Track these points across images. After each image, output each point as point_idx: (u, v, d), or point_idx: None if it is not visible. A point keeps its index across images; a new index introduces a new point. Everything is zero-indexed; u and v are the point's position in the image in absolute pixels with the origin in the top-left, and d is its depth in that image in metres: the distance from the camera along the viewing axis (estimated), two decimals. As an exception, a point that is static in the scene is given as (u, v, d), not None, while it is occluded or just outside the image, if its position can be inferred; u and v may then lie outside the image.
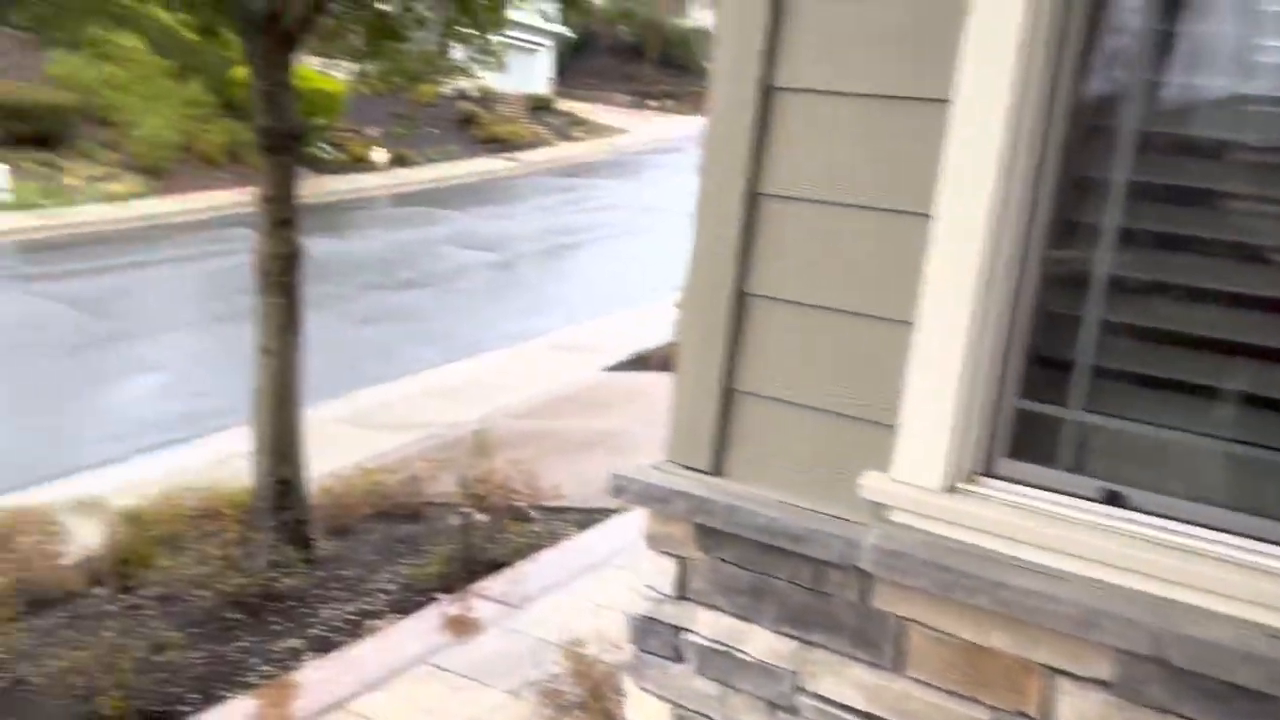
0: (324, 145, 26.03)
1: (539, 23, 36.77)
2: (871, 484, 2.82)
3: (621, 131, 38.47)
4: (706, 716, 3.05)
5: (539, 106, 36.56)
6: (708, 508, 3.04)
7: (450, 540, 7.22)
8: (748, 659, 3.04)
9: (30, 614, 6.41)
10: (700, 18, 46.84)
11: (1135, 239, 2.63)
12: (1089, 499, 2.65)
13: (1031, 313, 2.72)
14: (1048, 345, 2.73)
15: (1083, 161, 2.65)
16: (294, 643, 6.02)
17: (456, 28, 8.70)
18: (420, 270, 19.08)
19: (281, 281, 6.85)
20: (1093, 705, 2.52)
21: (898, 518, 2.80)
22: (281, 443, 7.09)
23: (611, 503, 8.80)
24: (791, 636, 2.95)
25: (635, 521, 7.87)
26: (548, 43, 41.35)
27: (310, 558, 7.03)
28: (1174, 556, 2.50)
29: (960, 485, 2.75)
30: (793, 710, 2.95)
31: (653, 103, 44.14)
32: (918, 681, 2.75)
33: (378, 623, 6.30)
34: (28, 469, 10.26)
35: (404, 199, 25.72)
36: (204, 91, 24.81)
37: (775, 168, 2.94)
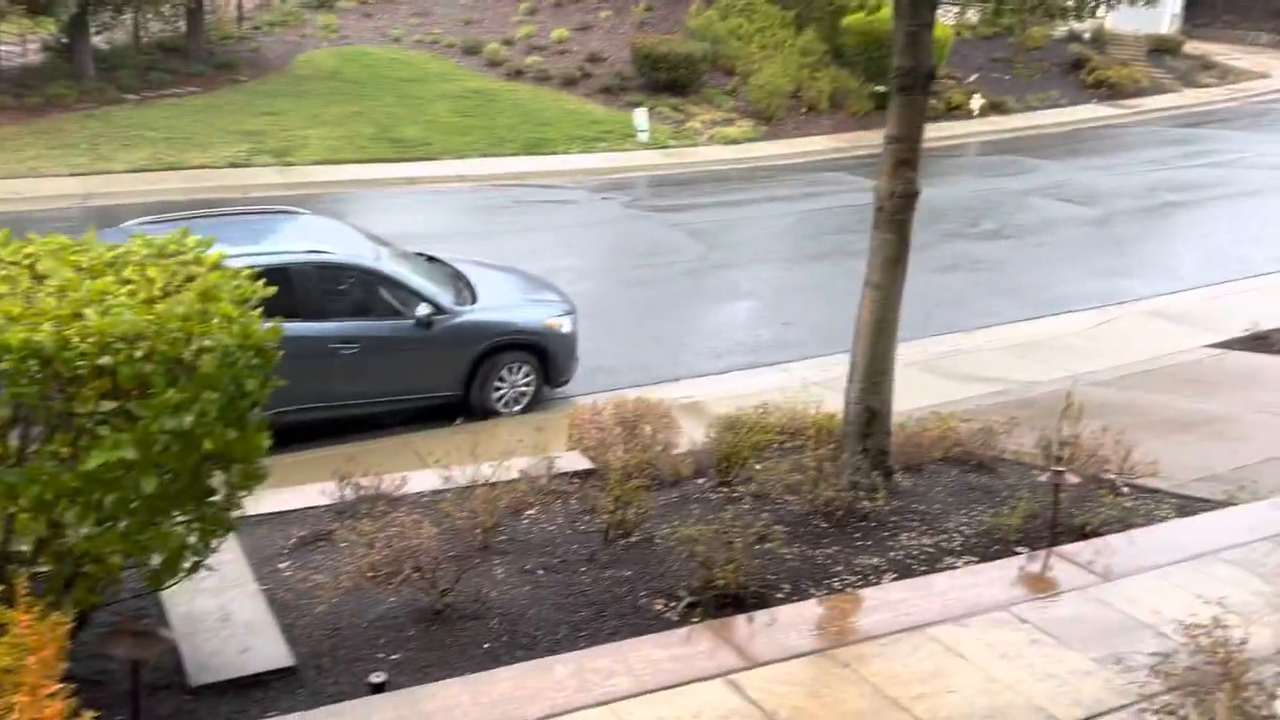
0: (919, 92, 26.06)
1: (1168, -47, 32.86)
2: None
3: (1261, 76, 33.24)
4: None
5: (1160, 49, 32.85)
6: None
7: (1032, 497, 7.03)
8: None
9: (652, 489, 7.51)
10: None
11: None
12: None
13: None
14: None
15: None
16: (875, 560, 6.34)
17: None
18: (1004, 221, 18.45)
19: (896, 219, 7.06)
20: None
21: None
22: (874, 373, 7.39)
23: (1212, 492, 7.98)
24: None
25: (1249, 520, 7.01)
26: (1177, -23, 36.85)
27: (889, 487, 7.29)
28: None
29: None
30: None
31: (1304, 43, 37.35)
32: None
33: (954, 561, 6.39)
34: (648, 370, 11.96)
35: (995, 146, 24.93)
36: (815, 40, 26.16)
37: None
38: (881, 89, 25.17)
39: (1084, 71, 29.89)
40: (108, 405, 3.95)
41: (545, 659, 5.17)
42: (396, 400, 10.03)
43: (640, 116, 22.57)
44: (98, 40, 23.32)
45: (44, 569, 4.40)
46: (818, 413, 8.98)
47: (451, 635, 5.42)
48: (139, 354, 3.88)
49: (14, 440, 4.11)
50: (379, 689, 4.82)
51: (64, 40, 22.67)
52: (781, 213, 18.71)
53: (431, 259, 11.48)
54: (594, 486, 7.24)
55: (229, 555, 5.79)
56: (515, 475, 7.35)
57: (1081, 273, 15.84)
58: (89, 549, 4.10)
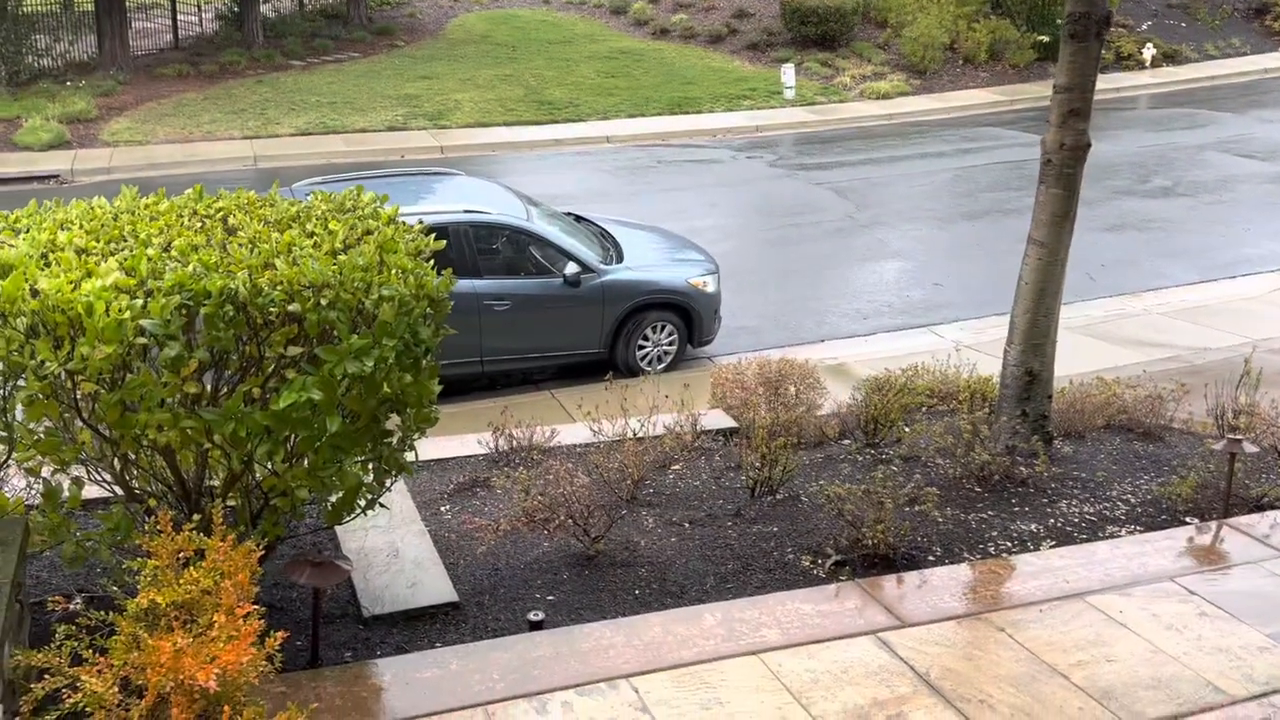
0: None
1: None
2: None
3: None
4: None
5: (1357, -10, 30.17)
6: None
7: (1203, 466, 6.69)
8: None
9: (797, 449, 7.50)
10: None
11: None
12: None
13: None
14: None
15: None
16: (1033, 527, 6.18)
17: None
18: (1176, 178, 17.40)
19: (1065, 173, 6.77)
20: None
21: None
22: (1035, 335, 7.14)
23: None
24: None
25: None
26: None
27: (1049, 453, 7.07)
28: None
29: None
30: None
31: None
32: None
33: (1118, 530, 6.17)
34: (791, 330, 11.87)
35: (1169, 99, 23.46)
36: (975, -11, 25.14)
37: None
38: (1045, 38, 24.01)
39: (1270, 17, 27.71)
40: (295, 350, 4.22)
41: (694, 607, 5.27)
42: (544, 357, 10.29)
43: (787, 73, 22.20)
44: (265, 9, 24.48)
45: (232, 503, 4.76)
46: (971, 376, 8.76)
47: (603, 580, 5.58)
48: (324, 302, 4.11)
49: (209, 382, 4.44)
50: (537, 626, 5.02)
51: (235, 9, 23.90)
52: (934, 170, 18.14)
53: (579, 219, 11.66)
54: (737, 445, 7.28)
55: (397, 497, 6.11)
56: (661, 431, 7.47)
57: (1262, 233, 14.82)
58: (277, 484, 4.40)
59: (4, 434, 4.46)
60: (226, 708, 3.54)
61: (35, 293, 4.02)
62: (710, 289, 10.69)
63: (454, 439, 7.56)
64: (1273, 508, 6.32)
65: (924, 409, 8.34)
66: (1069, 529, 6.18)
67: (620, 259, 10.67)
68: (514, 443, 7.30)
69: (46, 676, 3.71)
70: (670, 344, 10.58)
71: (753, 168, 18.32)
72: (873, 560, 5.70)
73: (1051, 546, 5.93)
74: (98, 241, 4.47)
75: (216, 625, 3.77)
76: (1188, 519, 6.27)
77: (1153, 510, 6.42)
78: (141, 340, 4.05)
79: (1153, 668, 4.74)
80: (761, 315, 12.06)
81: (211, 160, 17.65)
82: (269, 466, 4.42)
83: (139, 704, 3.61)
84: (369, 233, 4.72)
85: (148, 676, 3.60)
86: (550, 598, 5.42)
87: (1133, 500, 6.57)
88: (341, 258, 4.34)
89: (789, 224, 15.23)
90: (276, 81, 21.59)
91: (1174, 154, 18.85)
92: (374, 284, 4.27)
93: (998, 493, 6.58)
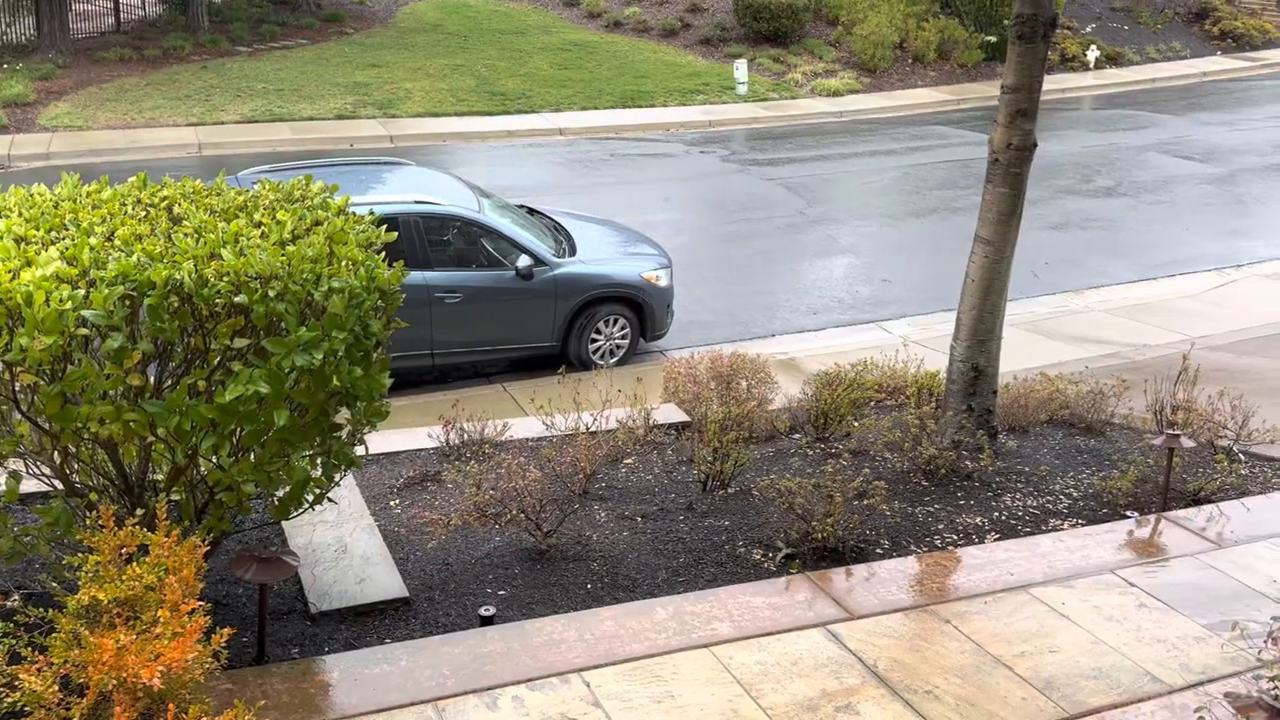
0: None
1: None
2: None
3: (1403, 27, 31.12)
4: None
5: (1292, -3, 31.03)
6: None
7: (1143, 461, 6.86)
8: None
9: (748, 443, 7.54)
10: None
11: None
12: None
13: None
14: None
15: None
16: (978, 520, 6.29)
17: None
18: (1118, 178, 17.77)
19: (1011, 172, 6.88)
20: None
21: None
22: (981, 331, 7.26)
23: (1336, 463, 7.66)
24: None
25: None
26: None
27: (993, 447, 7.19)
28: None
29: None
30: None
31: None
32: None
33: (1060, 523, 6.29)
34: (743, 325, 11.93)
35: (1111, 100, 23.94)
36: (924, -12, 25.44)
37: None
38: (992, 39, 24.38)
39: (1208, 22, 28.43)
40: (241, 342, 4.15)
41: (646, 601, 5.28)
42: (496, 350, 10.23)
43: (740, 68, 22.28)
44: (211, -7, 24.01)
45: (176, 497, 4.67)
46: (918, 371, 8.88)
47: (555, 574, 5.57)
48: (272, 293, 4.05)
49: (152, 375, 4.35)
50: (489, 621, 5.00)
51: (180, -7, 23.40)
52: (883, 167, 18.34)
53: (532, 211, 11.60)
54: (689, 439, 7.31)
55: (345, 491, 6.04)
56: (614, 425, 7.47)
57: (1200, 233, 15.21)
58: (223, 478, 4.32)
59: (-63, 427, 4.34)
60: (171, 706, 3.47)
61: (-29, 282, 3.91)
62: (663, 283, 10.71)
63: (404, 433, 7.49)
64: (1209, 501, 6.50)
65: (873, 404, 8.44)
66: (1013, 522, 6.29)
67: (573, 252, 10.64)
68: (465, 436, 7.26)
69: (-18, 676, 3.62)
70: (623, 338, 10.58)
71: (705, 162, 18.36)
72: (822, 553, 5.76)
73: (996, 539, 6.04)
74: (37, 230, 4.36)
75: (160, 622, 3.70)
76: (1128, 512, 6.42)
77: (1094, 504, 6.56)
78: (83, 331, 3.95)
79: (1094, 658, 4.85)
80: (714, 310, 12.11)
81: (154, 147, 17.27)
82: (214, 460, 4.34)
83: (80, 703, 3.53)
84: (318, 223, 4.66)
85: (89, 675, 3.52)
86: (502, 592, 5.40)
87: (1075, 494, 6.71)
88: (290, 248, 4.27)
89: (741, 219, 15.30)
90: (222, 67, 21.18)
91: (1116, 155, 19.25)
92: (324, 276, 4.21)
93: (944, 486, 6.68)
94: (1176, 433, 6.43)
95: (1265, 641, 3.74)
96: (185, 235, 4.32)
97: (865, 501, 6.13)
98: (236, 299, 4.06)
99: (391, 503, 6.37)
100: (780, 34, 24.37)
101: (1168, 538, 6.03)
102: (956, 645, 4.94)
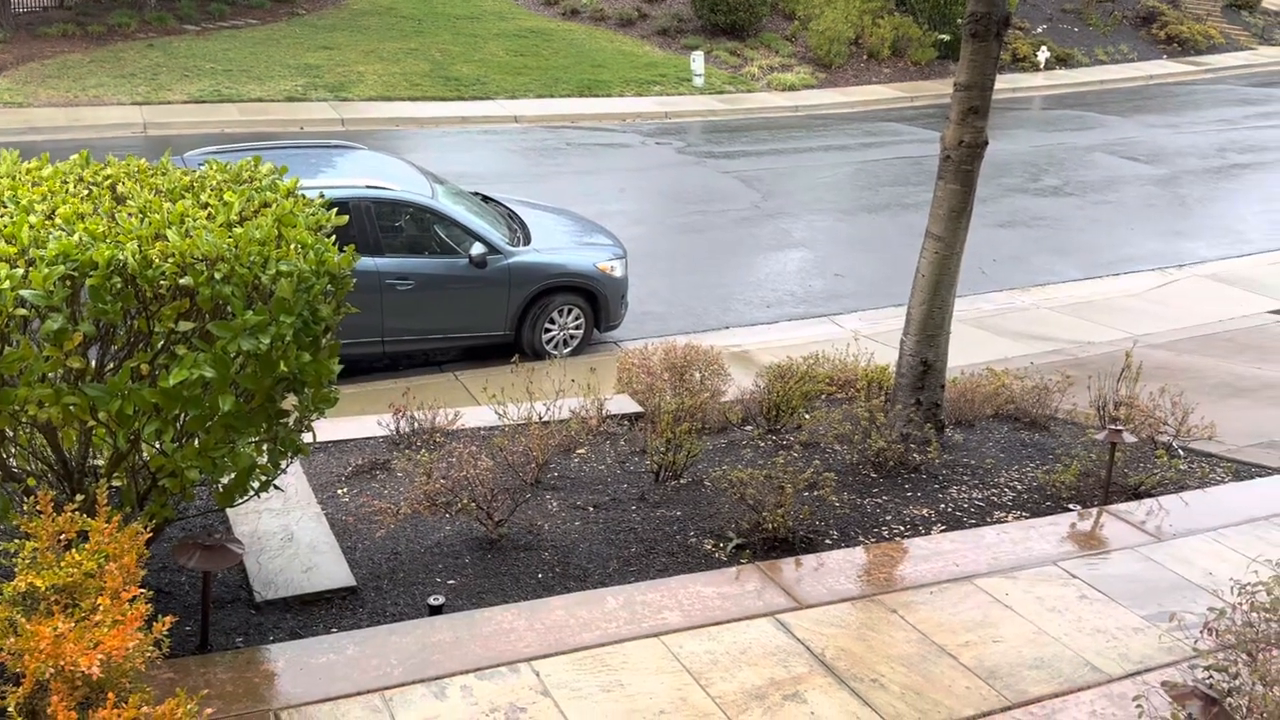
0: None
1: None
2: None
3: (1342, 36, 32.10)
4: None
5: (1237, 3, 31.77)
6: None
7: (1085, 455, 6.99)
8: None
9: (700, 434, 7.57)
10: None
11: None
12: None
13: None
14: None
15: None
16: (925, 511, 6.37)
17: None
18: (1066, 177, 18.10)
19: (963, 169, 6.96)
20: None
21: None
22: (930, 326, 7.34)
23: (1268, 458, 7.87)
24: None
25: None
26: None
27: (940, 440, 7.29)
28: None
29: None
30: None
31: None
32: None
33: (1004, 515, 6.40)
34: (697, 317, 11.97)
35: (1060, 101, 24.36)
36: (879, -15, 25.66)
37: None
38: (946, 37, 24.66)
39: (1155, 26, 29.03)
40: (186, 325, 4.06)
41: (597, 590, 5.28)
42: (448, 338, 10.15)
43: (697, 60, 22.30)
44: (158, -31, 23.46)
45: (117, 484, 4.56)
46: (868, 365, 8.97)
47: (506, 564, 5.55)
48: (219, 276, 3.97)
49: (94, 357, 4.24)
50: (437, 611, 4.96)
51: (126, -32, 22.83)
52: (837, 163, 18.48)
53: (486, 199, 11.52)
54: (642, 429, 7.31)
55: (292, 479, 5.95)
56: (566, 415, 7.45)
57: (1143, 233, 15.54)
58: (166, 464, 4.23)
59: None
60: (111, 695, 3.40)
61: (-97, 259, 3.78)
62: (618, 274, 10.69)
63: (352, 420, 7.40)
64: (1149, 495, 6.64)
65: (824, 396, 8.51)
66: (959, 514, 6.39)
67: (528, 241, 10.59)
68: (415, 425, 7.19)
69: (-88, 665, 3.51)
70: (577, 328, 10.55)
71: (661, 154, 18.37)
72: (773, 543, 5.80)
73: (942, 531, 6.12)
74: (-27, 206, 4.23)
75: (100, 609, 3.61)
76: (1070, 505, 6.54)
77: (1038, 497, 6.68)
78: (21, 311, 3.84)
79: (1036, 648, 4.94)
80: (668, 301, 12.13)
81: (98, 126, 16.86)
82: (157, 446, 4.25)
83: (15, 691, 3.44)
84: (266, 205, 4.57)
85: (25, 663, 3.43)
86: (451, 582, 5.36)
87: (1019, 487, 6.83)
88: (238, 230, 4.19)
89: (696, 211, 15.33)
90: (169, 46, 20.73)
91: (1064, 154, 19.60)
92: (272, 258, 4.13)
93: (892, 478, 6.76)
94: (1119, 428, 6.57)
95: (1201, 632, 3.83)
96: (129, 215, 4.22)
97: (815, 493, 6.18)
98: (182, 281, 3.97)
99: (339, 491, 6.30)
100: (737, 27, 24.44)
101: (1109, 530, 6.15)
102: (903, 635, 5.00)
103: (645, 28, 24.84)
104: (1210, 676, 3.75)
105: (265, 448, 4.57)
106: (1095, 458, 6.88)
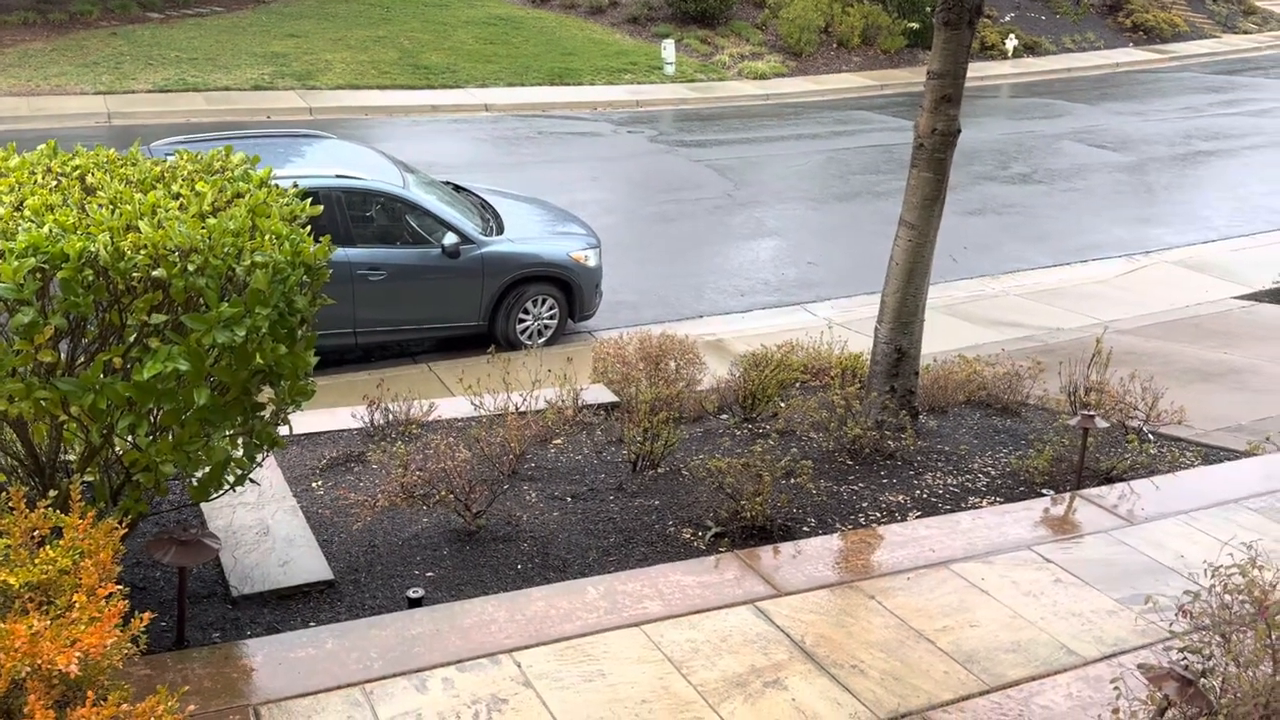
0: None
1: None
2: None
3: (1310, 22, 32.63)
4: None
5: (1204, -9, 32.22)
6: None
7: (1058, 441, 7.07)
8: None
9: (677, 422, 7.57)
10: None
11: None
12: None
13: None
14: None
15: None
16: (901, 498, 6.42)
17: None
18: (1035, 165, 18.25)
19: (936, 157, 7.00)
20: None
21: None
22: (904, 314, 7.38)
23: (1235, 441, 8.00)
24: None
25: (1272, 469, 7.05)
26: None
27: (915, 427, 7.34)
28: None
29: None
30: None
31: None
32: None
33: (979, 500, 6.46)
34: (671, 306, 11.96)
35: (1028, 88, 24.55)
36: (848, -26, 25.73)
37: None
38: (915, 25, 24.76)
39: (1121, 14, 29.33)
40: (159, 318, 4.00)
41: (577, 581, 5.28)
42: (421, 329, 10.08)
43: (668, 48, 22.25)
44: (120, -44, 23.06)
45: (90, 479, 4.50)
46: (843, 353, 9.02)
47: (485, 555, 5.53)
48: (192, 267, 3.91)
49: (65, 351, 4.18)
50: (417, 603, 4.94)
51: (86, -45, 22.41)
52: (809, 151, 18.52)
53: (458, 188, 11.44)
54: (619, 419, 7.31)
55: (267, 472, 5.90)
56: (543, 406, 7.43)
57: (1111, 220, 15.70)
58: (140, 459, 4.18)
59: None
60: (90, 693, 3.35)
61: None
62: (592, 263, 10.66)
63: (326, 412, 7.34)
64: (1121, 480, 6.73)
65: (799, 384, 8.54)
66: (934, 500, 6.44)
67: (501, 231, 10.53)
68: (390, 417, 7.14)
69: (-118, 666, 3.44)
70: (551, 318, 10.52)
71: (634, 142, 18.32)
72: (751, 531, 5.82)
73: (918, 517, 6.17)
74: (-63, 198, 4.14)
75: (77, 607, 3.56)
76: (1044, 490, 6.62)
77: (1011, 482, 6.75)
78: (-10, 305, 3.78)
79: (1012, 632, 4.99)
80: (642, 290, 12.11)
81: (61, 116, 16.57)
82: (131, 440, 4.19)
83: (-11, 692, 3.39)
84: (239, 195, 4.51)
85: (0, 662, 3.38)
86: (430, 574, 5.34)
87: (993, 472, 6.90)
88: (211, 221, 4.13)
89: (669, 200, 15.31)
90: (132, 34, 20.40)
91: (1032, 142, 19.75)
92: (246, 249, 4.08)
93: (868, 465, 6.80)
94: (1091, 414, 6.64)
95: (1176, 614, 3.89)
96: (100, 206, 4.15)
97: (793, 480, 6.21)
98: (155, 273, 3.91)
99: (315, 484, 6.25)
100: (707, 15, 24.40)
101: (1082, 515, 6.23)
102: (881, 620, 5.04)
103: (615, 15, 24.75)
104: (1185, 658, 3.80)
105: (241, 441, 4.52)
106: (1067, 443, 6.96)
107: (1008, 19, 27.16)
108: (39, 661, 3.30)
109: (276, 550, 5.30)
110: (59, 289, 3.88)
